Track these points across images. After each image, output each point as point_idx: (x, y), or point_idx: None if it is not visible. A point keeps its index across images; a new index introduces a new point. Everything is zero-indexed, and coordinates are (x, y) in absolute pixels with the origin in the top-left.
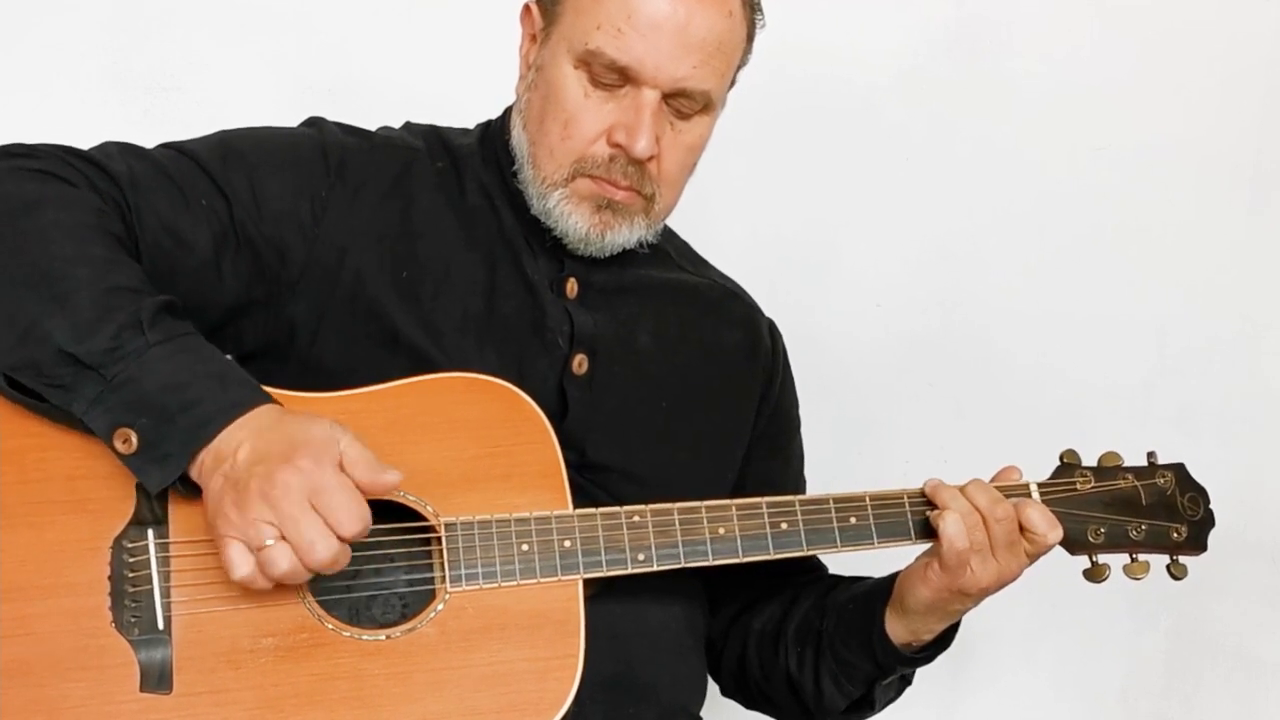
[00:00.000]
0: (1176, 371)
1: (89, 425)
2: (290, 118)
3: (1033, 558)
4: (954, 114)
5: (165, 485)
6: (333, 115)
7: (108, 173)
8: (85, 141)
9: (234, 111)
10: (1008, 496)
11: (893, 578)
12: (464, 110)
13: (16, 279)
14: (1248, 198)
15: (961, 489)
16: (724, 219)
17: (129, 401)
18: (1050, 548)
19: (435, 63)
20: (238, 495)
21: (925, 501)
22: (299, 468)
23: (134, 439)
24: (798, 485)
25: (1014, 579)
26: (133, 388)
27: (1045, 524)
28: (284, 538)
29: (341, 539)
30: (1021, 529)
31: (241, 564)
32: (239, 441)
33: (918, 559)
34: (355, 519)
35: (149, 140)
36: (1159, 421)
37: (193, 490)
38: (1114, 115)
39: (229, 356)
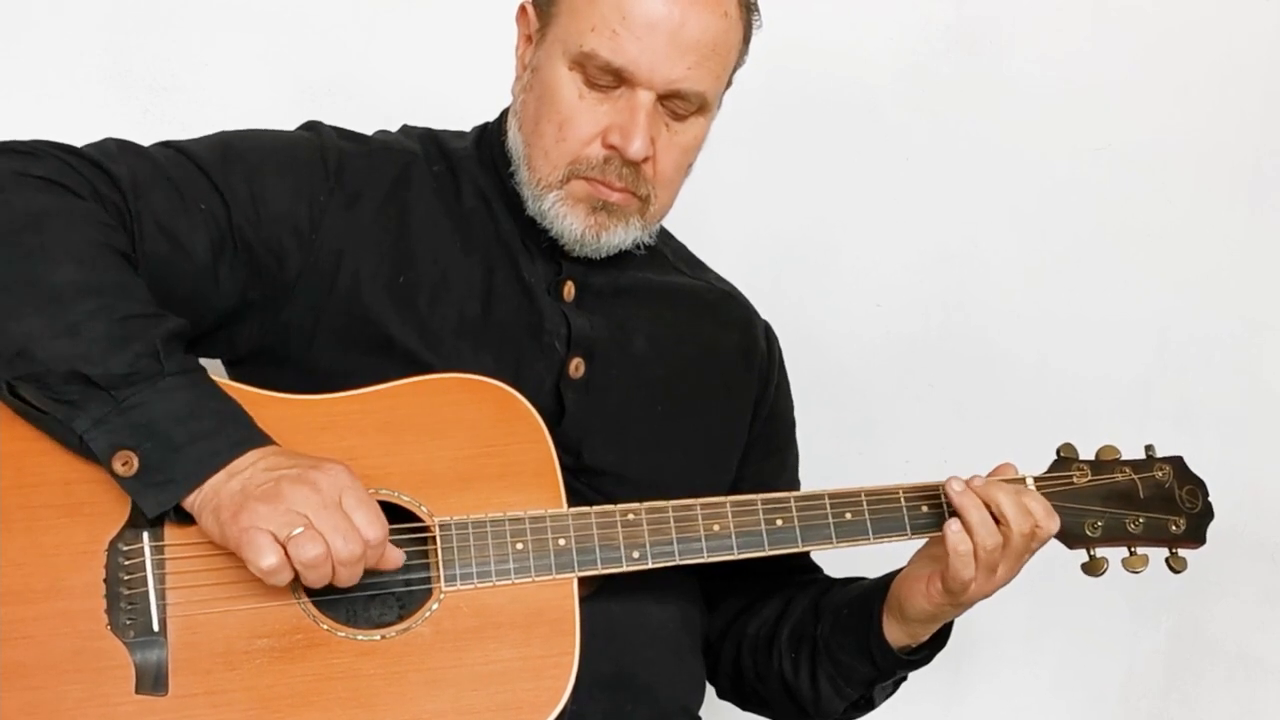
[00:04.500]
0: (1176, 371)
1: (87, 442)
2: (290, 117)
3: (1031, 554)
4: (954, 114)
5: (162, 510)
6: (332, 115)
7: (110, 176)
8: (84, 141)
9: (234, 111)
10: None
11: (888, 579)
12: (464, 111)
13: (25, 299)
14: (1248, 198)
15: (984, 495)
16: (724, 219)
17: (135, 425)
18: (1048, 538)
19: (435, 63)
20: (266, 492)
21: (921, 497)
22: (328, 472)
23: (135, 462)
24: (793, 488)
25: (1008, 582)
26: (141, 412)
27: (1045, 514)
28: (314, 527)
29: (366, 541)
30: None
31: (269, 553)
32: (254, 460)
33: (916, 567)
34: (378, 524)
35: (149, 140)
36: (1159, 421)
37: (184, 518)
38: (1114, 115)
39: (221, 358)
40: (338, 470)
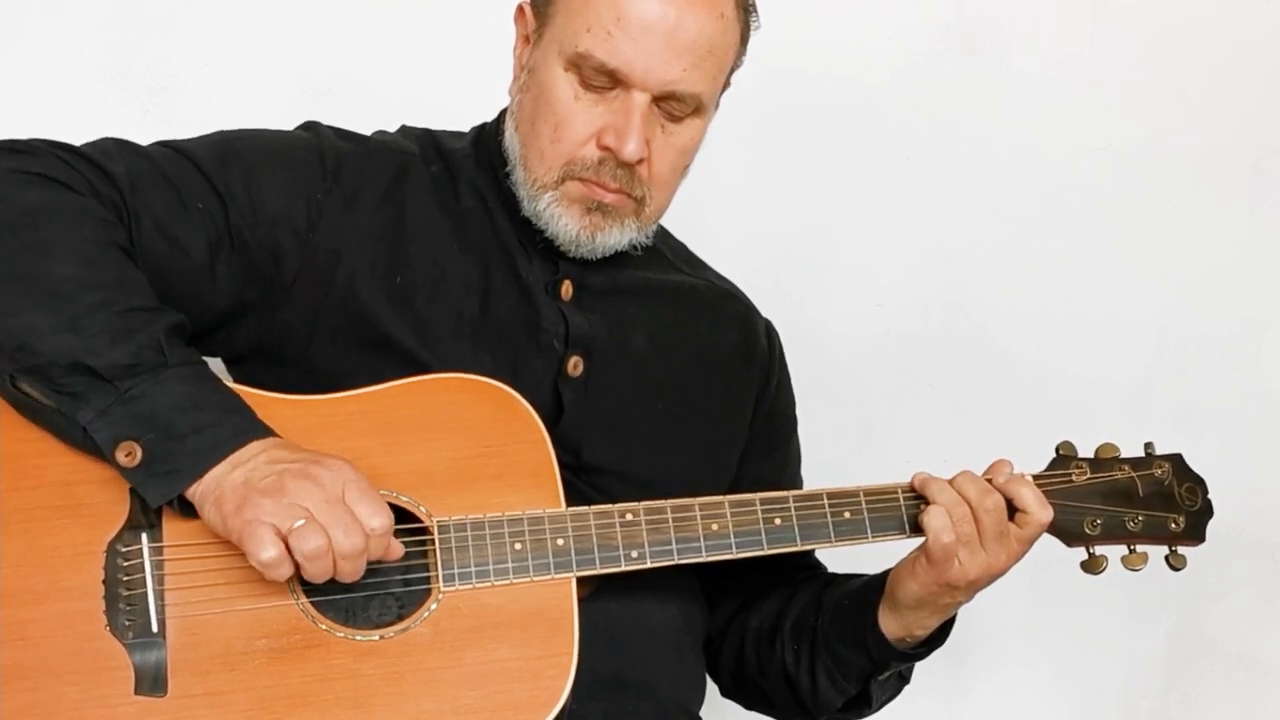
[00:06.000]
0: (1176, 371)
1: (91, 434)
2: (290, 117)
3: (1024, 544)
4: (954, 114)
5: (166, 500)
6: (332, 115)
7: (107, 174)
8: (84, 142)
9: (234, 111)
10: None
11: (887, 573)
12: (463, 111)
13: (26, 293)
14: (1248, 198)
15: (951, 480)
16: (724, 219)
17: (138, 416)
18: (1041, 529)
19: (434, 63)
20: (269, 485)
21: (919, 496)
22: (329, 467)
23: (139, 452)
24: (794, 486)
25: (1003, 572)
26: (144, 403)
27: (1037, 502)
28: (315, 520)
29: (369, 531)
30: (1013, 509)
31: (270, 545)
32: (256, 451)
33: (908, 555)
34: (382, 514)
35: (149, 140)
36: (1159, 421)
37: (187, 509)
38: (1114, 115)
39: (221, 358)
40: (340, 465)
